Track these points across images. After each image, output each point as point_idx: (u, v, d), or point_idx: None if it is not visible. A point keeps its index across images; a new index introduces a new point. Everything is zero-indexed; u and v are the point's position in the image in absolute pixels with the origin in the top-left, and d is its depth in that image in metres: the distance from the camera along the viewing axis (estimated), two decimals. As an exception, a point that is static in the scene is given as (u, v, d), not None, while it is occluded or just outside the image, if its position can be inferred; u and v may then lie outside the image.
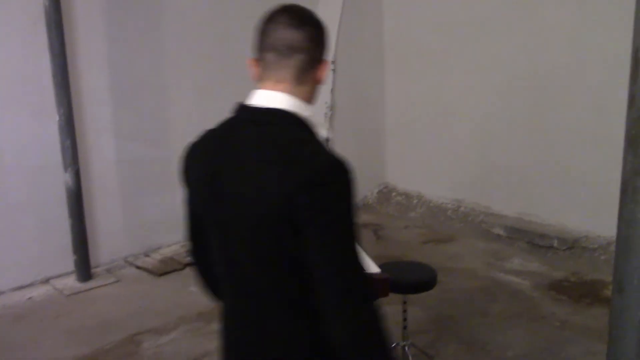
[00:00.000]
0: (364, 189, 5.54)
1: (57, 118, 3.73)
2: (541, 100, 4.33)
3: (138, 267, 4.14)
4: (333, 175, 1.20)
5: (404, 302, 2.68)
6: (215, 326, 1.46)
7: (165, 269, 4.09)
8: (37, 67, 3.70)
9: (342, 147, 5.10)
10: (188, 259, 4.23)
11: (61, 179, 3.82)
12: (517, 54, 4.43)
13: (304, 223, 1.17)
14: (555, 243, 4.15)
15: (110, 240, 4.18)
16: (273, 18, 1.30)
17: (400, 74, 5.35)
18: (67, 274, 3.95)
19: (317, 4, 5.12)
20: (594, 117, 4.08)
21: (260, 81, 1.31)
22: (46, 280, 3.90)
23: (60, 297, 3.72)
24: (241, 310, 1.33)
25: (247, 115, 1.31)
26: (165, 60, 4.31)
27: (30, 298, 3.71)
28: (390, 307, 2.94)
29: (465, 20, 4.73)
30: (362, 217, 5.10)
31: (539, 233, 4.25)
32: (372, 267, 1.99)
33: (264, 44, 1.29)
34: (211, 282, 1.49)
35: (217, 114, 4.76)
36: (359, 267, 1.21)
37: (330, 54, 4.99)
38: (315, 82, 1.33)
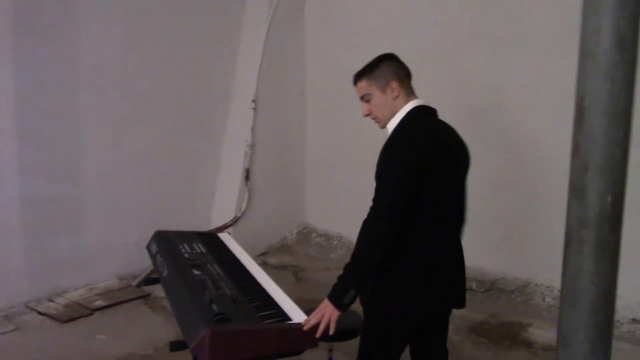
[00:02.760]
0: (283, 229, 5.44)
1: (-46, 151, 3.44)
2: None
3: (41, 313, 3.82)
4: None
5: (330, 350, 2.58)
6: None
7: (72, 315, 3.80)
8: None
9: (261, 187, 5.04)
10: (96, 303, 3.97)
11: (-44, 218, 3.51)
12: (441, 96, 4.51)
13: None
14: (474, 285, 4.19)
15: (9, 284, 3.84)
16: (396, 58, 2.27)
17: (322, 113, 5.34)
18: (-42, 322, 3.60)
19: (239, 42, 5.07)
20: (510, 161, 4.19)
21: (407, 95, 2.22)
22: None
23: (-51, 348, 3.38)
24: (459, 231, 2.32)
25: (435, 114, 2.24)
26: (78, 91, 4.09)
27: None
28: (314, 354, 2.82)
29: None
30: (282, 259, 4.99)
31: (458, 275, 4.27)
32: (298, 316, 1.89)
33: (404, 73, 2.24)
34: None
35: (135, 147, 4.56)
36: None
37: (251, 92, 4.97)
38: None
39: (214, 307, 1.85)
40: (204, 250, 2.50)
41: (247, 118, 4.91)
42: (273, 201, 5.24)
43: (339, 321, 1.94)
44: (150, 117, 4.52)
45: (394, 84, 2.16)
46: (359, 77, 2.26)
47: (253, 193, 4.99)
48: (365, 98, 2.23)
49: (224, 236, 2.83)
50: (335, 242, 5.20)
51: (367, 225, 1.97)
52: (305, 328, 1.82)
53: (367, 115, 2.24)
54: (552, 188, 3.97)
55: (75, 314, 3.83)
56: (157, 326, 3.73)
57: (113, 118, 4.31)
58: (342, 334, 2.47)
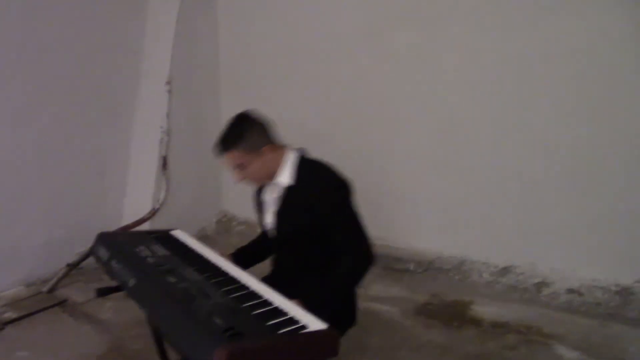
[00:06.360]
0: (201, 219, 5.14)
1: None
2: (388, 124, 4.34)
3: (-60, 333, 3.31)
4: None
5: None
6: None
7: (-21, 332, 3.32)
8: None
9: (178, 176, 4.69)
10: (6, 316, 3.50)
11: None
12: (359, 77, 4.40)
13: None
14: (412, 266, 4.16)
15: None
16: (255, 116, 2.29)
17: (237, 97, 5.05)
18: None
19: (145, 20, 4.66)
20: (435, 142, 4.17)
21: (278, 148, 2.32)
22: None
23: None
24: None
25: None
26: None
27: None
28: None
29: (306, 44, 4.61)
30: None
31: (394, 257, 4.22)
32: (312, 322, 1.69)
33: (269, 129, 2.31)
34: None
35: (37, 138, 4.05)
36: None
37: (165, 74, 4.60)
38: None
39: (217, 320, 1.60)
40: (166, 253, 2.21)
41: (161, 102, 4.53)
42: (190, 190, 4.91)
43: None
44: (51, 103, 4.02)
45: (267, 147, 2.24)
46: (227, 148, 2.24)
47: (170, 183, 4.63)
48: (239, 167, 2.25)
49: (179, 233, 2.55)
50: (259, 230, 4.96)
51: (354, 267, 2.20)
52: None
53: (242, 180, 2.30)
54: (484, 165, 4.00)
55: (-17, 330, 3.35)
56: (85, 336, 3.34)
57: (9, 106, 3.78)
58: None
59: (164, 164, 4.56)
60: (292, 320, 1.68)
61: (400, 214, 4.38)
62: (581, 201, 3.68)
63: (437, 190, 4.21)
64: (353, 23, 4.36)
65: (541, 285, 3.83)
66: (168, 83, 4.51)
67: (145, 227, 4.43)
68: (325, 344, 1.63)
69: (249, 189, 5.11)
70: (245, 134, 2.21)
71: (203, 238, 5.01)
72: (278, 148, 2.30)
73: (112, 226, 4.34)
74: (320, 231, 2.21)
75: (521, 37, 3.72)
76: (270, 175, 2.30)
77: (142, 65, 4.63)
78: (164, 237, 2.45)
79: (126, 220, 4.54)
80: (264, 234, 2.66)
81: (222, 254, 2.38)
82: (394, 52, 4.22)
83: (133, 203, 4.63)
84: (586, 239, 3.69)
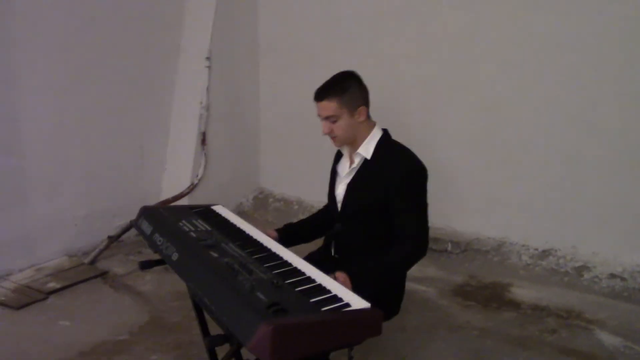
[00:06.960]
0: (238, 195, 5.16)
1: None
2: (429, 103, 4.28)
3: (-12, 300, 3.41)
4: None
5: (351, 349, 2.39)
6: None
7: (24, 300, 3.40)
8: None
9: (217, 151, 4.71)
10: (49, 285, 3.59)
11: None
12: (400, 56, 4.34)
13: None
14: (449, 247, 4.12)
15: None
16: (360, 77, 2.32)
17: (276, 72, 5.04)
18: None
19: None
20: (476, 123, 4.10)
21: (370, 118, 2.36)
22: None
23: None
24: None
25: None
26: (14, 51, 3.58)
27: None
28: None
29: (346, 18, 4.55)
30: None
31: (431, 237, 4.14)
32: (354, 300, 1.68)
33: (368, 95, 2.35)
34: None
35: (79, 112, 4.09)
36: None
37: (205, 49, 4.60)
38: None
39: (260, 296, 1.61)
40: (208, 228, 2.22)
41: (201, 77, 4.54)
42: (228, 166, 4.94)
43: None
44: (93, 79, 4.06)
45: (363, 109, 2.27)
46: (327, 95, 2.24)
47: (209, 158, 4.66)
48: (331, 119, 2.25)
49: (220, 209, 2.56)
50: (296, 207, 4.98)
51: (408, 255, 2.19)
52: None
53: (328, 134, 2.29)
54: (526, 146, 3.93)
55: (28, 299, 3.43)
56: (125, 307, 3.41)
57: (54, 80, 3.83)
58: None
59: (203, 139, 4.58)
60: (335, 298, 1.67)
61: (438, 193, 4.29)
62: (625, 185, 3.59)
63: (476, 170, 4.15)
64: (397, 1, 4.29)
65: (582, 269, 3.75)
66: (208, 58, 4.52)
67: (183, 202, 4.47)
68: (368, 323, 1.62)
69: (286, 167, 5.18)
70: (347, 89, 2.23)
71: (240, 214, 5.02)
72: (369, 117, 2.33)
73: (151, 200, 4.40)
74: (386, 211, 2.20)
75: (566, 18, 3.62)
76: (354, 140, 2.31)
77: (182, 40, 4.64)
78: (206, 212, 2.46)
79: (165, 195, 4.60)
80: (316, 215, 2.65)
81: (267, 230, 2.36)
82: (436, 31, 4.14)
83: (172, 178, 4.67)
84: (630, 223, 3.61)
